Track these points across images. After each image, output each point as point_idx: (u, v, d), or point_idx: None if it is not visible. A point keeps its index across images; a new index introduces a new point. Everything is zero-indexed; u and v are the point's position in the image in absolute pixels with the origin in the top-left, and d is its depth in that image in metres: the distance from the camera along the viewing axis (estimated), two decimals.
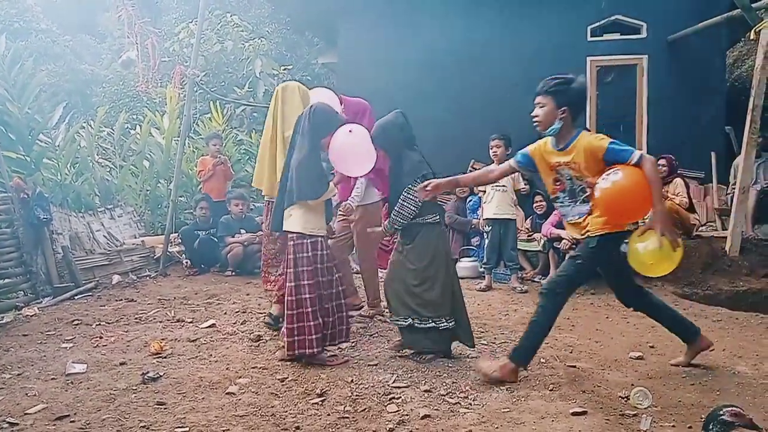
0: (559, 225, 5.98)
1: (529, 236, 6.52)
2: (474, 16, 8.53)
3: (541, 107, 3.20)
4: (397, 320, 3.64)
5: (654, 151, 7.81)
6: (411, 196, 3.54)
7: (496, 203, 5.91)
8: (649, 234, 3.06)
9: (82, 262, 6.20)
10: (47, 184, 6.98)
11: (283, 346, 3.56)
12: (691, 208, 6.55)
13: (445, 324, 3.52)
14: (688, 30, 7.82)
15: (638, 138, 8.35)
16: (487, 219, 5.97)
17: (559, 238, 5.80)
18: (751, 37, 6.04)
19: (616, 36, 8.40)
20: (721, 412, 2.02)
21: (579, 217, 3.25)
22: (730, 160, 7.57)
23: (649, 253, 3.08)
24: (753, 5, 5.91)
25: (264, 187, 4.19)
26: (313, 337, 3.45)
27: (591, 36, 8.43)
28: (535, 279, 6.23)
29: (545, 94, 3.18)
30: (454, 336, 3.64)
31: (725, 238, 6.14)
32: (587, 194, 3.18)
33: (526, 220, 6.81)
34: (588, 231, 3.20)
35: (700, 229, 6.98)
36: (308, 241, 3.52)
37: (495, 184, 5.87)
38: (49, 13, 18.92)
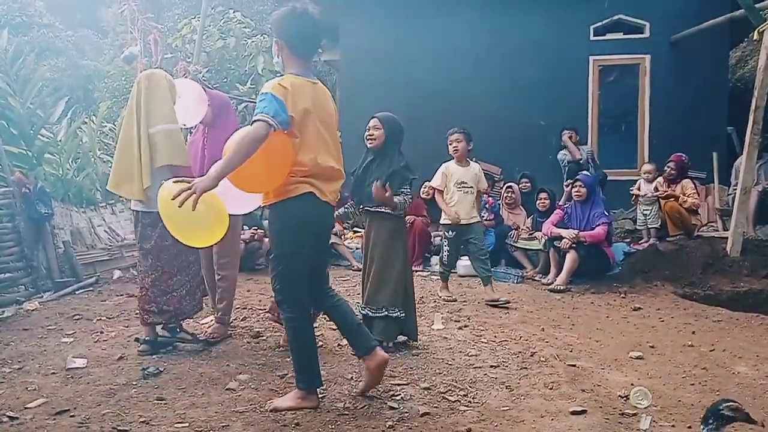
0: (560, 224, 5.98)
1: (530, 235, 6.52)
2: (476, 14, 8.53)
3: None
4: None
5: (656, 151, 7.89)
6: (407, 192, 3.75)
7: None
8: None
9: (83, 257, 6.21)
10: (49, 179, 6.99)
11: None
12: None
13: (397, 313, 3.65)
14: (691, 30, 7.81)
15: (640, 138, 8.35)
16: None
17: (560, 237, 5.80)
18: (754, 38, 6.02)
19: (619, 35, 8.40)
20: (721, 407, 2.07)
21: None
22: (731, 160, 7.56)
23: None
24: (756, 6, 5.90)
25: (132, 191, 3.50)
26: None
27: (594, 35, 8.42)
28: (536, 278, 6.23)
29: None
30: (401, 328, 3.76)
31: (726, 238, 6.14)
32: None
33: (527, 218, 6.81)
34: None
35: (702, 229, 6.98)
36: None
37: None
38: (51, 8, 18.90)
